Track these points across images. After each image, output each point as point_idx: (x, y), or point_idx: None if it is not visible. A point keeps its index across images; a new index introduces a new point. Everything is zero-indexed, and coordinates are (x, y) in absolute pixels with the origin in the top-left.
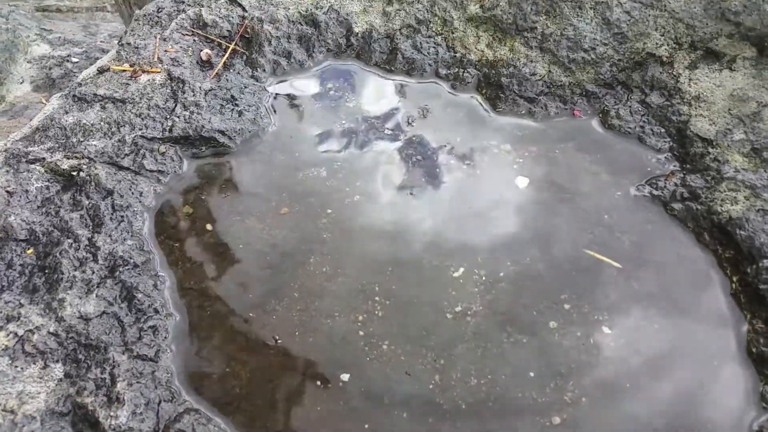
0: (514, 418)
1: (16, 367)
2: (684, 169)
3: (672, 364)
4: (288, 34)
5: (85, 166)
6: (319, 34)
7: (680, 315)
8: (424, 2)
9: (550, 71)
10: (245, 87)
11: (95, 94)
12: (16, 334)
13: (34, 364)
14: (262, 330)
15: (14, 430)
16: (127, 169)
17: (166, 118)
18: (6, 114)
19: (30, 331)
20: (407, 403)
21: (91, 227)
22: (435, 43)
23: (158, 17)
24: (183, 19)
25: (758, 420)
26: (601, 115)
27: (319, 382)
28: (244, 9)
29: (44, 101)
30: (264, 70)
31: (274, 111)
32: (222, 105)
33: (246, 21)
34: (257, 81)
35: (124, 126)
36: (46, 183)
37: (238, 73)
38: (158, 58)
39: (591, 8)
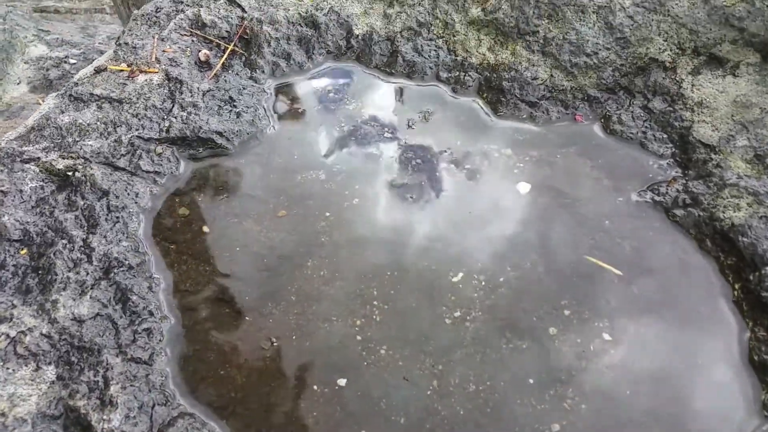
0: (512, 425)
1: (8, 369)
2: (686, 176)
3: (673, 372)
4: (287, 35)
5: (80, 166)
6: (319, 36)
7: (681, 322)
8: (425, 5)
9: (552, 75)
10: (244, 88)
11: (92, 94)
12: (8, 335)
13: (26, 366)
14: (258, 333)
15: None
16: (123, 169)
17: (163, 119)
18: (2, 115)
19: (22, 332)
20: (405, 408)
21: (85, 228)
22: (436, 46)
23: (156, 17)
24: (181, 19)
25: (760, 429)
26: (603, 120)
27: (315, 387)
28: (243, 10)
29: (41, 102)
30: (263, 72)
31: (273, 113)
32: (220, 106)
33: (245, 22)
34: (256, 82)
35: (120, 126)
36: (41, 183)
37: (237, 74)
38: (156, 58)
39: (594, 12)
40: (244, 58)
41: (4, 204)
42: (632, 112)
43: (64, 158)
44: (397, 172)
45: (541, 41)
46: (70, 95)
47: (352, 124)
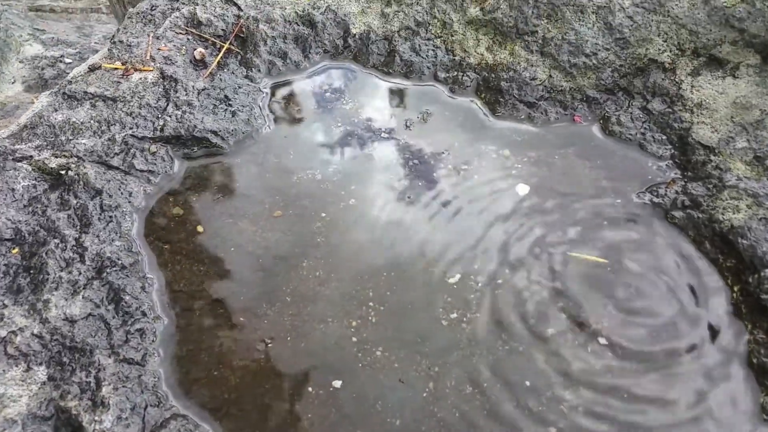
0: (509, 428)
1: None
2: (685, 177)
3: (671, 375)
4: (284, 34)
5: (73, 165)
6: (315, 35)
7: (680, 324)
8: (423, 4)
9: (550, 76)
10: (239, 87)
11: (86, 92)
12: None
13: (17, 366)
14: (252, 334)
15: None
16: (117, 168)
17: (157, 117)
18: None
19: (13, 332)
20: (400, 411)
21: (78, 227)
22: (434, 45)
23: (152, 15)
24: (177, 17)
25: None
26: (601, 121)
27: (310, 389)
28: (239, 8)
29: (35, 101)
30: (259, 71)
31: (269, 112)
32: (215, 105)
33: (241, 20)
34: (252, 81)
35: (114, 125)
36: (33, 182)
37: (233, 72)
38: (151, 56)
39: (593, 12)
40: (239, 57)
41: None
42: (631, 113)
43: (57, 157)
44: (394, 172)
45: (540, 41)
46: (64, 93)
47: (348, 124)
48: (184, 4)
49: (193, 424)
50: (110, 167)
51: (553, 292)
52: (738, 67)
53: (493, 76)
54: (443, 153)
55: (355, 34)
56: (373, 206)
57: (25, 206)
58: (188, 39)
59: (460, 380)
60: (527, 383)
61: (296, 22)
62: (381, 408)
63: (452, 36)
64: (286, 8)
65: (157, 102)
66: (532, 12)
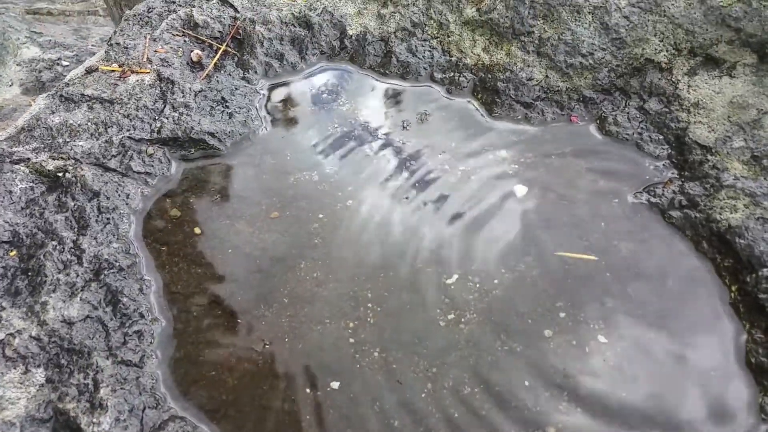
0: (507, 428)
1: None
2: (682, 177)
3: (669, 374)
4: (280, 35)
5: (71, 167)
6: (312, 36)
7: (677, 324)
8: (419, 5)
9: (547, 76)
10: (236, 89)
11: (83, 95)
12: None
13: (15, 368)
14: (250, 336)
15: None
16: (114, 170)
17: (154, 119)
18: None
19: (11, 335)
20: (398, 412)
21: (76, 229)
22: (430, 46)
23: (148, 17)
24: (173, 19)
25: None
26: (598, 121)
27: (308, 390)
28: (236, 10)
29: (33, 104)
30: (255, 72)
31: (266, 113)
32: (212, 107)
33: (238, 22)
34: (248, 83)
35: (111, 127)
36: (31, 184)
37: (229, 74)
38: (148, 58)
39: (589, 13)
40: (236, 59)
41: None
42: (628, 113)
43: (54, 159)
44: (391, 173)
45: (537, 42)
46: (61, 96)
47: (345, 126)
48: (180, 6)
49: (191, 425)
50: (107, 169)
51: (552, 292)
52: (734, 67)
53: (489, 76)
54: (440, 154)
55: (351, 36)
56: (369, 207)
57: (22, 208)
58: (185, 41)
59: (458, 381)
60: (526, 383)
61: (293, 24)
62: (379, 409)
63: (449, 37)
64: (282, 10)
65: (154, 104)
66: (529, 12)
